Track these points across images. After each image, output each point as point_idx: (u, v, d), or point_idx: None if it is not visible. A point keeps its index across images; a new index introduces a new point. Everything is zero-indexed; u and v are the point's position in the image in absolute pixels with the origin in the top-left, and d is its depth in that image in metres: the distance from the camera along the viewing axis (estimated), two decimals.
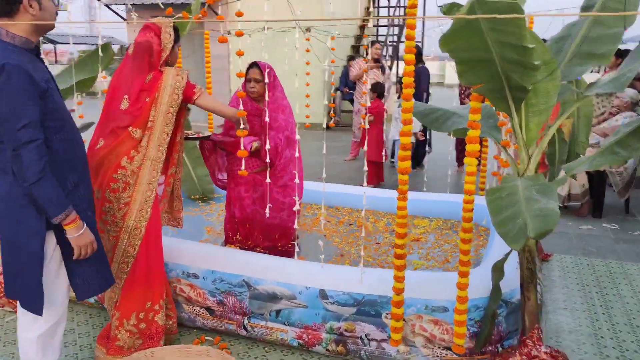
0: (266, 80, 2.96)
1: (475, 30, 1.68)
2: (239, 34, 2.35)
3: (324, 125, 3.69)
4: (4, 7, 1.90)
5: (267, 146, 2.82)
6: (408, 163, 2.32)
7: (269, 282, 2.77)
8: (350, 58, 10.22)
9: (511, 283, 2.55)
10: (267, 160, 2.98)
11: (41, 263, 2.01)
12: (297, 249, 3.03)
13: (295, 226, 3.18)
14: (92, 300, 3.13)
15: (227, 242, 3.51)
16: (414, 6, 2.15)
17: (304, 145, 4.34)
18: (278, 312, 2.77)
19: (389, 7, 13.16)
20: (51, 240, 2.06)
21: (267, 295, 2.77)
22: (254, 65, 3.34)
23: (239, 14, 2.33)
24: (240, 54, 2.46)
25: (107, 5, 11.58)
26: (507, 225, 1.75)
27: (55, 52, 22.93)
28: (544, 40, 2.11)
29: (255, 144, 3.34)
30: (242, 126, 2.50)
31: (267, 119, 2.97)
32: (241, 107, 2.58)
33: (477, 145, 2.21)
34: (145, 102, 2.49)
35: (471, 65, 1.96)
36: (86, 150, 2.26)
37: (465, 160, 2.22)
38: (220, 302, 2.85)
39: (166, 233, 2.92)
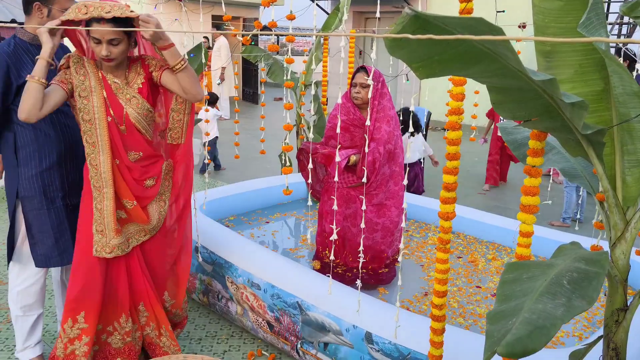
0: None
1: (485, 54, 1.21)
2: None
3: None
4: (25, 5, 2.25)
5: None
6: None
7: (320, 310, 2.56)
8: None
9: None
10: (364, 178, 2.77)
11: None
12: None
13: (401, 246, 2.92)
14: None
15: (317, 257, 3.37)
16: None
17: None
18: (326, 344, 2.55)
19: None
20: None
21: (316, 324, 2.56)
22: (361, 69, 3.10)
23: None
24: None
25: None
26: (498, 322, 1.24)
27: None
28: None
29: (353, 158, 3.11)
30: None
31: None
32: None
33: (537, 199, 1.65)
34: None
35: (509, 94, 1.44)
36: None
37: (519, 216, 1.68)
38: (277, 319, 2.75)
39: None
